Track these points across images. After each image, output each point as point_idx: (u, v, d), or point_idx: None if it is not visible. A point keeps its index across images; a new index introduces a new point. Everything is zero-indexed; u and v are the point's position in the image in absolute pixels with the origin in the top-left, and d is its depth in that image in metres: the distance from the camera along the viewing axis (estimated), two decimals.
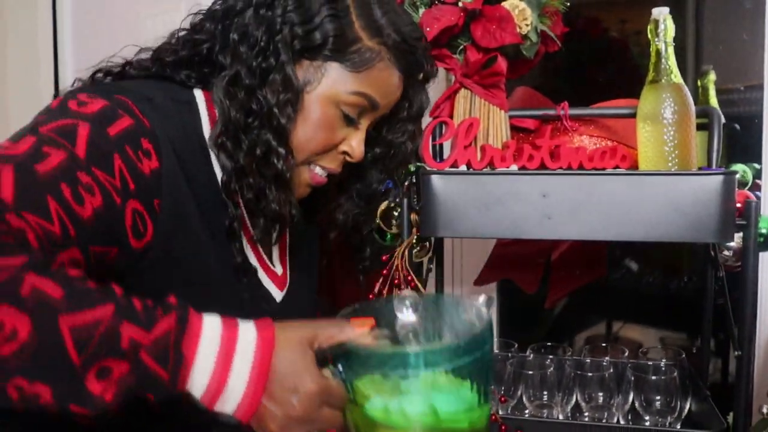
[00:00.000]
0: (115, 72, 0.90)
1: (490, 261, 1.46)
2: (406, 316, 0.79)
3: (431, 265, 1.12)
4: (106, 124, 0.74)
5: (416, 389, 0.70)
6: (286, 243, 1.02)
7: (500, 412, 1.04)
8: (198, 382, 0.65)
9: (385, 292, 0.98)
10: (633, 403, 1.09)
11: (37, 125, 0.72)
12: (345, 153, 0.92)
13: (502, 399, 1.03)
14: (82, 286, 0.61)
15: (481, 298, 0.78)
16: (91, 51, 1.02)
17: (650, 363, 1.16)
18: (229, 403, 0.67)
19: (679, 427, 1.04)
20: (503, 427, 1.00)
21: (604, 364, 1.14)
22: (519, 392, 1.13)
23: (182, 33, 0.91)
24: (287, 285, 1.00)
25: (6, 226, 0.62)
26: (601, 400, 1.11)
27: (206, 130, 0.87)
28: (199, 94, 0.89)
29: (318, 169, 0.92)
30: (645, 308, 1.76)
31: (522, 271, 1.48)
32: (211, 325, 0.67)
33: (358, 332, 0.72)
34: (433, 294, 1.06)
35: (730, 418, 1.01)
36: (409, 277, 0.98)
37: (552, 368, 1.14)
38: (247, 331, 0.68)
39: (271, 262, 0.98)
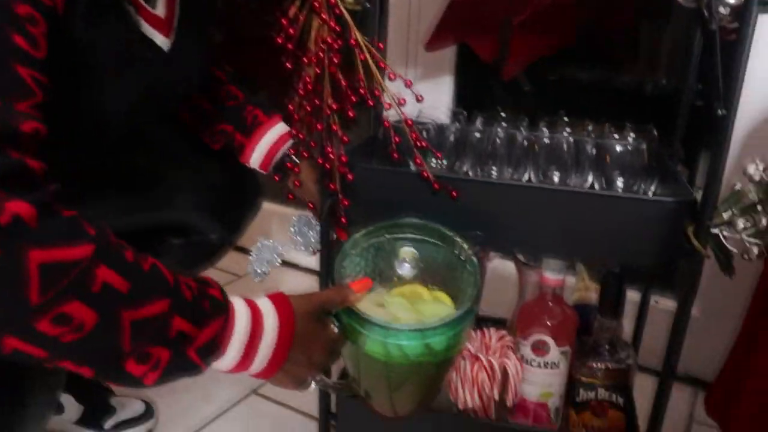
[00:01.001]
0: None
1: (443, 21, 1.26)
2: (404, 269, 0.90)
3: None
4: None
5: (412, 341, 0.82)
6: None
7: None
8: (224, 366, 0.72)
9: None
10: (593, 184, 0.96)
11: None
12: None
13: (436, 186, 0.89)
14: (142, 275, 0.62)
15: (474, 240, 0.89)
16: None
17: (615, 137, 1.01)
18: (247, 373, 0.75)
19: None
20: (436, 186, 0.86)
21: (563, 137, 0.99)
22: (464, 167, 0.99)
23: None
24: (174, 33, 0.85)
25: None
26: (557, 178, 0.97)
27: None
28: None
29: None
30: (615, 106, 1.61)
31: (479, 35, 1.29)
32: (242, 318, 0.72)
33: (358, 296, 0.82)
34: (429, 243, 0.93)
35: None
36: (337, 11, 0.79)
37: (502, 140, 0.99)
38: (270, 317, 0.74)
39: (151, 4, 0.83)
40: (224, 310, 0.70)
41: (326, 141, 0.84)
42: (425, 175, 0.86)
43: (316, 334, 0.79)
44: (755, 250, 0.91)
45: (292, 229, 0.98)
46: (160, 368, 0.64)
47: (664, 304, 1.54)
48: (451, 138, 1.00)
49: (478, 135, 1.00)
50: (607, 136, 1.01)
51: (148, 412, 1.28)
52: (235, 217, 1.13)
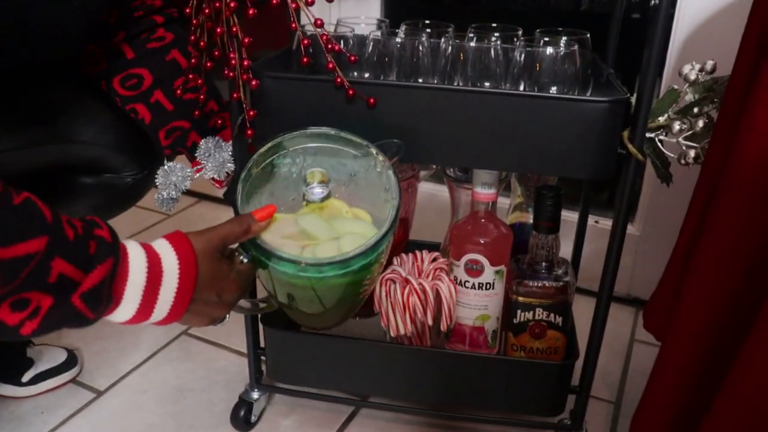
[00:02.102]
0: None
1: None
2: (315, 194, 0.84)
3: None
4: None
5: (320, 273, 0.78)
6: None
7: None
8: (121, 317, 0.66)
9: None
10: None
11: None
12: None
13: (351, 93, 0.81)
14: (11, 209, 0.55)
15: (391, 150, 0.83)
16: None
17: (547, 41, 0.94)
18: (147, 323, 0.69)
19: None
20: (351, 92, 0.79)
21: (491, 45, 0.92)
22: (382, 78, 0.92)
23: None
24: None
25: None
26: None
27: None
28: None
29: None
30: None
31: None
32: (138, 261, 0.66)
33: (262, 226, 0.77)
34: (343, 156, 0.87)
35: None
36: None
37: (426, 49, 0.92)
38: (169, 259, 0.68)
39: None
40: (113, 252, 0.62)
41: (228, 46, 0.76)
42: (339, 81, 0.79)
43: (222, 272, 0.74)
44: (692, 153, 0.87)
45: (200, 153, 0.90)
46: (39, 316, 0.58)
47: (604, 224, 1.51)
48: (372, 48, 0.92)
49: (400, 44, 0.92)
50: (539, 43, 0.95)
51: (71, 360, 1.21)
52: (148, 152, 1.04)
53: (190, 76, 0.83)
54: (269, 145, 0.82)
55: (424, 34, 0.92)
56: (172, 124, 0.95)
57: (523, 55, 0.90)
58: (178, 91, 0.89)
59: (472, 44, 0.89)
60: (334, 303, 0.85)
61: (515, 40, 0.94)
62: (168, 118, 0.95)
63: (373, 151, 0.83)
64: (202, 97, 0.86)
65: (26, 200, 0.56)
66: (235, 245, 0.78)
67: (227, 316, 0.80)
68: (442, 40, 0.92)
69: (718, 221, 0.74)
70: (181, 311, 0.70)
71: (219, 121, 0.94)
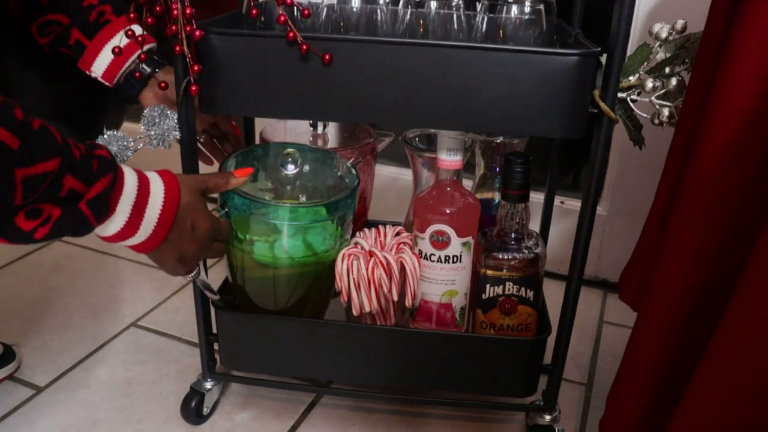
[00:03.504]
0: None
1: None
2: (289, 169, 0.94)
3: None
4: None
5: (290, 232, 0.88)
6: None
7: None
8: (112, 229, 0.72)
9: None
10: None
11: None
12: None
13: (304, 48, 0.75)
14: (33, 133, 0.61)
15: (351, 161, 0.98)
16: None
17: (511, 7, 0.89)
18: (133, 242, 0.75)
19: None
20: (304, 47, 0.73)
21: (453, 11, 0.87)
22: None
23: None
24: None
25: None
26: None
27: None
28: None
29: None
30: None
31: None
32: (131, 180, 0.72)
33: (240, 180, 0.85)
34: (314, 148, 1.01)
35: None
36: None
37: (384, 16, 0.86)
38: (156, 182, 0.75)
39: None
40: (113, 168, 0.69)
41: None
42: (291, 36, 0.73)
43: (199, 206, 0.79)
44: (665, 111, 0.83)
45: (145, 122, 0.83)
46: (50, 222, 0.65)
47: (570, 204, 1.47)
48: (325, 15, 0.86)
49: (356, 11, 0.87)
50: (501, 7, 0.90)
51: (8, 356, 1.12)
52: (92, 125, 0.97)
53: (132, 15, 0.75)
54: (239, 152, 0.94)
55: (382, 2, 0.86)
56: (46, 17, 0.88)
57: (485, 21, 0.85)
58: None
59: (433, 8, 0.84)
60: (291, 275, 0.89)
61: (477, 4, 0.89)
62: (40, 11, 0.88)
63: (337, 156, 0.96)
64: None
65: (42, 125, 0.62)
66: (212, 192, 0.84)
67: (195, 271, 0.85)
68: (401, 4, 0.87)
69: (695, 180, 0.70)
70: (162, 233, 0.75)
71: (105, 14, 0.87)
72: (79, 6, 0.89)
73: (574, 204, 1.48)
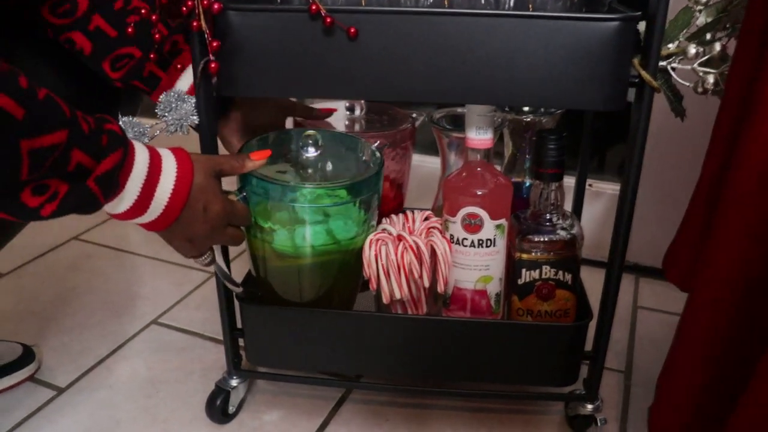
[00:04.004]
0: None
1: None
2: (309, 151, 0.88)
3: None
4: None
5: (311, 217, 0.83)
6: None
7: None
8: (122, 207, 0.70)
9: None
10: None
11: None
12: None
13: (328, 20, 0.71)
14: (37, 103, 0.58)
15: (376, 143, 0.95)
16: None
17: None
18: (142, 221, 0.73)
19: None
20: (328, 20, 0.69)
21: None
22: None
23: None
24: None
25: None
26: None
27: None
28: None
29: None
30: None
31: None
32: (142, 157, 0.70)
33: (257, 164, 0.81)
34: (336, 132, 0.99)
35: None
36: None
37: None
38: (168, 160, 0.72)
39: None
40: (123, 143, 0.67)
41: None
42: (314, 9, 0.69)
43: (212, 188, 0.76)
44: (710, 79, 0.78)
45: (160, 107, 0.79)
46: (57, 199, 0.62)
47: (598, 187, 1.43)
48: None
49: None
50: None
51: (27, 356, 1.09)
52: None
53: (142, 11, 0.72)
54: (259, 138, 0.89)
55: None
56: (119, 52, 0.84)
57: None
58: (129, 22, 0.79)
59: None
60: (314, 265, 0.86)
61: None
62: (112, 45, 0.84)
63: (362, 141, 0.92)
64: (157, 36, 0.75)
65: (47, 95, 0.59)
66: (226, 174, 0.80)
67: (207, 255, 0.82)
68: None
69: (753, 151, 0.65)
70: (173, 214, 0.72)
71: (178, 44, 0.84)
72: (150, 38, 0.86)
73: (602, 186, 1.43)
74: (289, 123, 1.06)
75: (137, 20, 0.79)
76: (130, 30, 0.78)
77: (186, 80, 0.87)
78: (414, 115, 1.06)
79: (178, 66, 0.87)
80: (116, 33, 0.83)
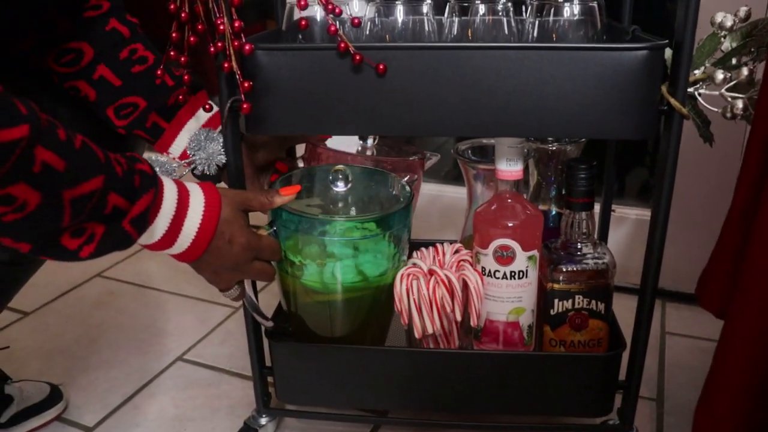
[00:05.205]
0: None
1: None
2: (339, 186, 0.86)
3: None
4: None
5: (340, 252, 0.83)
6: None
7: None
8: (152, 239, 0.72)
9: None
10: None
11: None
12: None
13: (357, 58, 0.71)
14: (76, 153, 0.60)
15: (406, 178, 0.93)
16: None
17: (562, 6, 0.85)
18: (171, 252, 0.74)
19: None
20: (357, 57, 0.69)
21: (501, 17, 0.83)
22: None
23: None
24: None
25: None
26: None
27: None
28: None
29: None
30: None
31: None
32: (170, 194, 0.71)
33: (286, 199, 0.81)
34: (366, 167, 0.96)
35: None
36: None
37: (430, 25, 0.82)
38: (196, 196, 0.74)
39: None
40: (154, 183, 0.69)
41: (214, 11, 0.66)
42: (343, 46, 0.69)
43: (238, 221, 0.77)
44: (739, 104, 0.78)
45: (191, 146, 0.80)
46: (95, 241, 0.64)
47: (621, 212, 1.42)
48: (369, 29, 0.82)
49: (401, 23, 0.83)
50: (550, 9, 0.86)
51: (55, 396, 1.09)
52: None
53: (171, 54, 0.72)
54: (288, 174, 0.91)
55: (425, 5, 0.82)
56: (122, 101, 0.85)
57: (536, 24, 0.81)
58: (157, 73, 0.79)
59: (480, 12, 0.80)
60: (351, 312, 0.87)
61: (524, 7, 0.85)
62: (117, 93, 0.85)
63: (391, 174, 0.92)
64: (186, 77, 0.76)
65: (83, 143, 0.61)
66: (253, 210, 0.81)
67: (234, 289, 0.82)
68: (446, 14, 0.83)
69: None
70: (200, 248, 0.74)
71: (180, 97, 0.83)
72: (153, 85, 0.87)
73: (626, 211, 1.42)
74: (300, 149, 1.05)
75: (142, 70, 0.81)
76: (135, 78, 0.81)
77: (184, 136, 0.88)
78: (428, 155, 1.05)
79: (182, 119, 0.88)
80: (121, 82, 0.84)
